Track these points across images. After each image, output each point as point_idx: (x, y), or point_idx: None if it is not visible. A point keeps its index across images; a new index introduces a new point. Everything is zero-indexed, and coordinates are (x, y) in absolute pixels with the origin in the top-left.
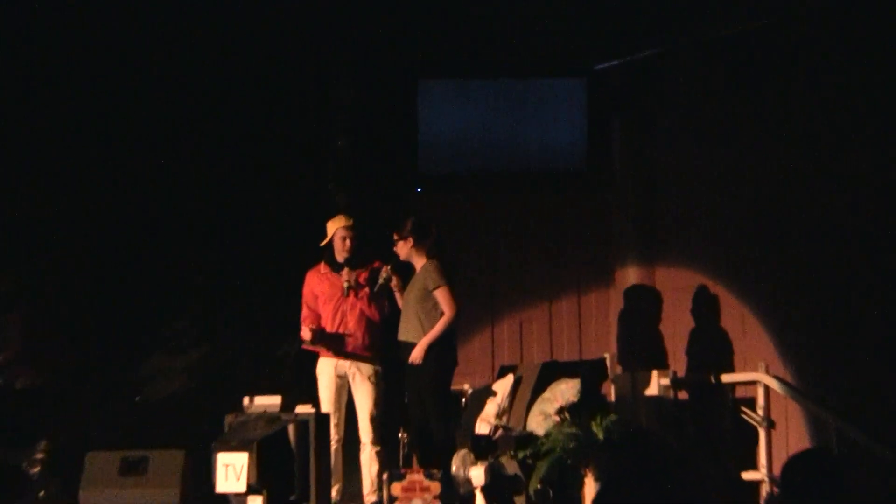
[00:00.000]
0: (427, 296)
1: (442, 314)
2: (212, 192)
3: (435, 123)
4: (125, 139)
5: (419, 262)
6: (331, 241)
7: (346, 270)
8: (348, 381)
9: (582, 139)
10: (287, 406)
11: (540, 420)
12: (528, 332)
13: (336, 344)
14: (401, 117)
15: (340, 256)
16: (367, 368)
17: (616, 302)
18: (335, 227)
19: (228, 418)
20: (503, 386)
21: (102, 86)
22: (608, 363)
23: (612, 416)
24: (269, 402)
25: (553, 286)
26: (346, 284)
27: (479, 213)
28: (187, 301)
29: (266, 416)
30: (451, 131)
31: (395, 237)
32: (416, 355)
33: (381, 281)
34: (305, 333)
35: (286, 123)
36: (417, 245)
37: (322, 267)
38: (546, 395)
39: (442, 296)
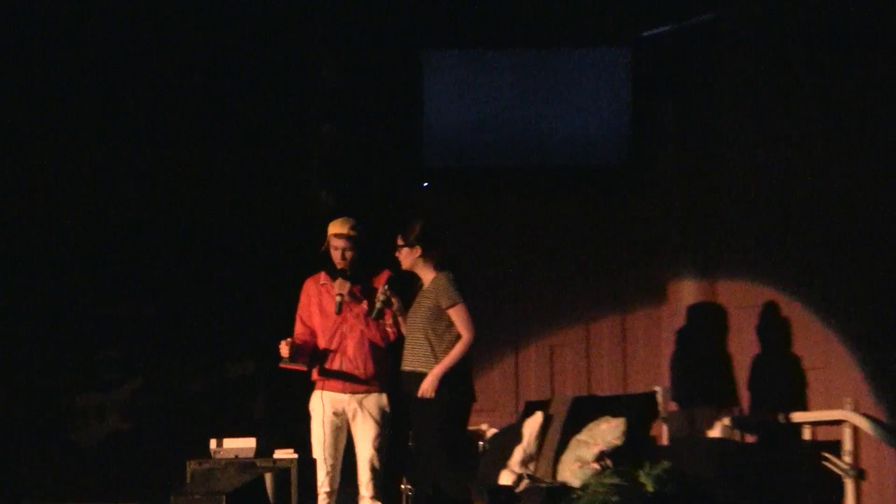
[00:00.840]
0: (439, 315)
1: (457, 337)
2: (154, 186)
3: (442, 104)
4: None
5: (427, 275)
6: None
7: (338, 281)
8: (347, 421)
9: (624, 125)
10: (264, 450)
11: (575, 468)
12: (561, 361)
13: (329, 371)
14: (400, 96)
15: (338, 266)
16: (371, 404)
17: (668, 323)
18: (330, 233)
19: (191, 465)
20: (530, 426)
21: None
22: (659, 398)
23: (664, 464)
24: (241, 445)
25: (591, 305)
26: (337, 299)
27: (498, 216)
28: (116, 325)
29: (238, 463)
30: (462, 114)
31: (399, 242)
32: (426, 387)
33: (377, 305)
34: (283, 349)
35: (255, 105)
36: (426, 255)
37: (322, 276)
38: (582, 437)
39: (459, 315)
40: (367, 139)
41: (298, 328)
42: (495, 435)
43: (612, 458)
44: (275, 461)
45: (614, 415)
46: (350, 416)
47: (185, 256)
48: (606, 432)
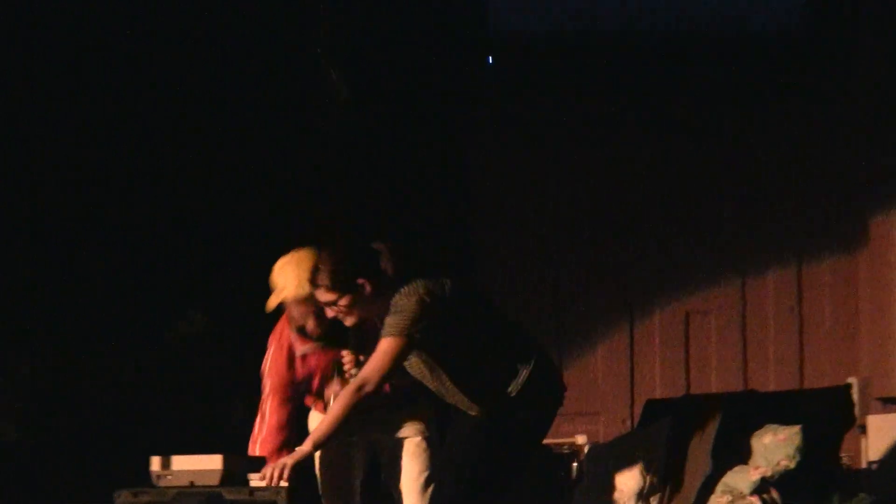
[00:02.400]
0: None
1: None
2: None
3: None
4: None
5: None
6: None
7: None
8: (373, 445)
9: None
10: (235, 475)
11: (726, 501)
12: (701, 335)
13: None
14: None
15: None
16: (407, 422)
17: (870, 280)
18: (280, 297)
19: (121, 497)
20: (653, 439)
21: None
22: (855, 396)
23: (863, 498)
24: (199, 465)
25: (746, 250)
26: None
27: (598, 115)
28: None
29: (196, 495)
30: None
31: (322, 295)
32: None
33: (347, 378)
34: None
35: None
36: (377, 288)
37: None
38: (736, 457)
39: (380, 346)
40: None
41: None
42: (596, 452)
43: (780, 488)
44: (252, 492)
45: (785, 422)
46: (378, 441)
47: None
48: (772, 449)
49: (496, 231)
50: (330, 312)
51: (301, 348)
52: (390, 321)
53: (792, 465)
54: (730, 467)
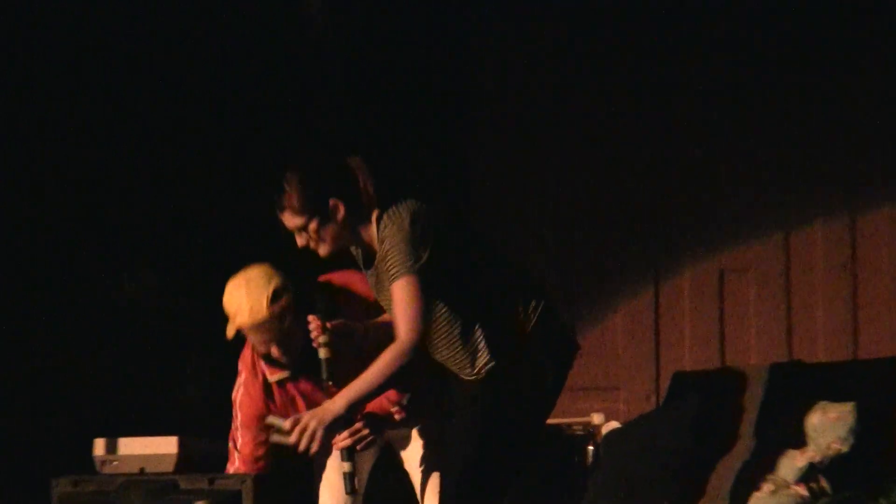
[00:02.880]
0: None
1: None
2: None
3: None
4: None
5: (368, 237)
6: None
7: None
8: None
9: None
10: (191, 459)
11: (764, 496)
12: (738, 297)
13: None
14: None
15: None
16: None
17: None
18: (235, 326)
19: (59, 487)
20: (681, 417)
21: None
22: None
23: None
24: (150, 449)
25: (790, 198)
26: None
27: (625, 50)
28: None
29: (147, 483)
30: None
31: (289, 219)
32: (321, 421)
33: (322, 359)
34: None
35: None
36: (351, 217)
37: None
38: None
39: (397, 293)
40: None
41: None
42: (616, 433)
43: (830, 475)
44: (212, 479)
45: (836, 399)
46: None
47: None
48: (822, 429)
49: (502, 175)
50: (301, 240)
51: (274, 376)
52: (389, 266)
53: (844, 449)
54: (772, 451)
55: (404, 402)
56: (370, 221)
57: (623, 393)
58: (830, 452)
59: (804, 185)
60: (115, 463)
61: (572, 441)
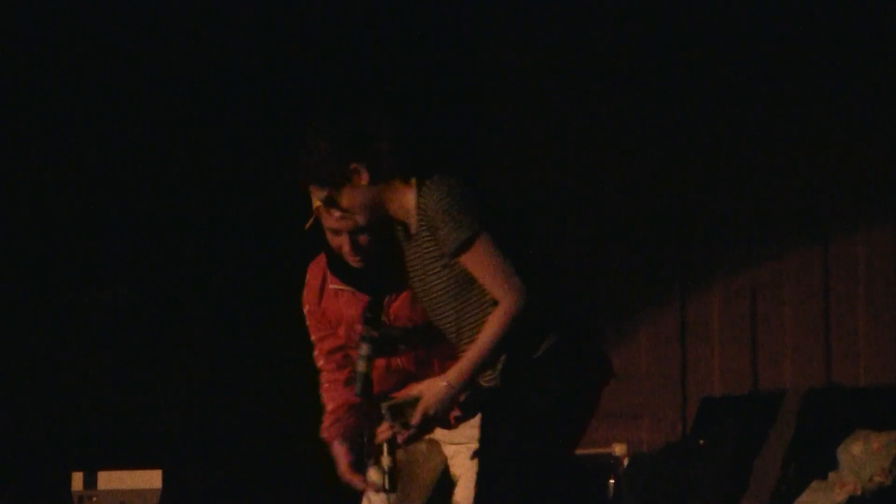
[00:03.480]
0: (456, 273)
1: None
2: None
3: None
4: None
5: (402, 207)
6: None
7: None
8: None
9: None
10: (177, 494)
11: None
12: (772, 315)
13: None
14: None
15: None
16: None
17: None
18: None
19: None
20: (710, 446)
21: None
22: None
23: None
24: (132, 483)
25: (829, 207)
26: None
27: (649, 49)
28: None
29: None
30: None
31: (317, 203)
32: (431, 404)
33: (359, 373)
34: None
35: None
36: (375, 182)
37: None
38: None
39: (475, 258)
40: None
41: (316, 333)
42: (639, 464)
43: None
44: None
45: (879, 427)
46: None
47: None
48: (864, 460)
49: (521, 192)
50: (335, 241)
51: (334, 285)
52: (445, 234)
53: (888, 482)
54: (809, 483)
55: (461, 399)
56: (404, 188)
57: (647, 421)
58: (872, 485)
59: (844, 193)
60: (94, 499)
61: (592, 474)
